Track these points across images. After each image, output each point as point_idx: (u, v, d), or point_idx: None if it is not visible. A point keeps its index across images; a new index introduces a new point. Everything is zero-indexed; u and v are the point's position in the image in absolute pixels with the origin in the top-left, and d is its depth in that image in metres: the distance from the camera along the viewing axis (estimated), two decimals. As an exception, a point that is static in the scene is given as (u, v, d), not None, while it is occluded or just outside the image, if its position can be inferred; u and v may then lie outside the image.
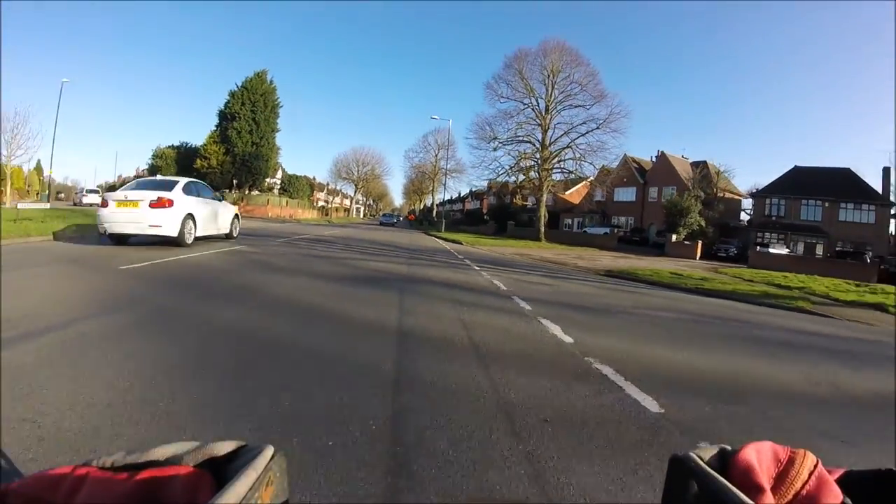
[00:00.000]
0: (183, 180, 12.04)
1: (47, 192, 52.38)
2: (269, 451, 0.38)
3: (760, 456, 0.43)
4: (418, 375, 3.67)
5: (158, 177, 15.22)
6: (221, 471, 0.37)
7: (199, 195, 12.46)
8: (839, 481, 0.43)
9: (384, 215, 69.60)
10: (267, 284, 7.20)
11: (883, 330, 9.52)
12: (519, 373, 3.94)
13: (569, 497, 2.14)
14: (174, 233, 10.85)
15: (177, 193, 11.12)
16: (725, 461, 0.43)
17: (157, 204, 10.61)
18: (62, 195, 61.30)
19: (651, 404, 3.42)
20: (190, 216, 11.42)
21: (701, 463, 0.42)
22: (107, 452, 0.34)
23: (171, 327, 4.42)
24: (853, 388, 4.73)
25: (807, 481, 0.41)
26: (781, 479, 0.42)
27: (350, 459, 2.29)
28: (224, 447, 0.39)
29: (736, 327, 7.68)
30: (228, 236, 14.47)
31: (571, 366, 4.30)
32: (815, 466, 0.42)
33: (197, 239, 12.01)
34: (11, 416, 2.40)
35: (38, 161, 65.23)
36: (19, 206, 16.85)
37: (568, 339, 5.23)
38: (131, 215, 10.52)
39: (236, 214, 15.23)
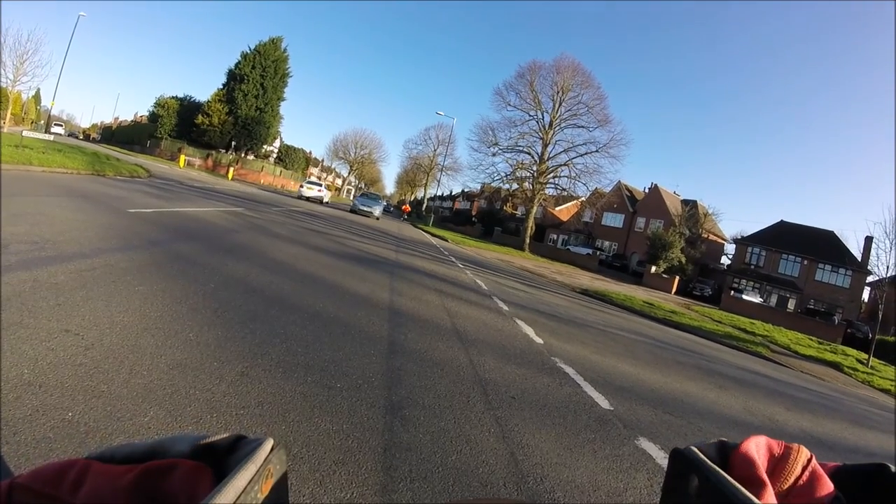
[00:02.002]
0: (323, 184, 37.00)
1: (42, 122, 51.85)
2: (269, 443, 0.39)
3: (757, 450, 0.43)
4: (408, 345, 4.21)
5: (317, 180, 36.88)
6: (220, 463, 0.37)
7: (324, 188, 35.47)
8: (832, 476, 0.43)
9: (362, 196, 36.42)
10: (269, 248, 7.60)
11: (832, 386, 10.36)
12: (493, 358, 4.50)
13: (529, 453, 2.65)
14: (323, 198, 34.64)
15: (322, 186, 35.27)
16: (726, 455, 0.43)
17: (320, 190, 34.55)
18: (62, 128, 60.59)
19: (603, 402, 3.97)
20: (326, 193, 35.48)
21: (702, 456, 0.41)
22: (108, 445, 0.34)
23: (188, 271, 4.82)
24: (786, 423, 5.37)
25: (800, 475, 0.42)
26: (776, 472, 0.42)
27: (355, 399, 2.80)
28: (223, 439, 0.39)
29: (693, 357, 8.28)
30: (326, 203, 35.74)
31: (539, 361, 4.85)
32: (809, 461, 0.42)
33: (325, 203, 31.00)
34: (53, 327, 2.79)
35: (38, 90, 64.26)
36: (24, 133, 16.86)
37: (539, 340, 5.79)
38: (311, 191, 34.08)
39: (330, 195, 37.85)
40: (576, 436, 3.12)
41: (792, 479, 0.41)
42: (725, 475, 0.38)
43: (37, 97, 68.34)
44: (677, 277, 37.30)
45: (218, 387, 2.55)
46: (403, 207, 49.92)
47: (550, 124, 41.46)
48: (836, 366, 14.27)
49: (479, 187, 60.59)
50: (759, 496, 0.38)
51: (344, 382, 2.99)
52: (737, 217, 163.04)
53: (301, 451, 2.13)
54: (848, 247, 44.27)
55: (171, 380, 2.50)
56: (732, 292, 36.28)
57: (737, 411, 5.19)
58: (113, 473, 0.35)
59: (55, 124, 52.40)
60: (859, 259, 41.82)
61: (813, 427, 5.59)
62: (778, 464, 0.42)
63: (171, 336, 3.06)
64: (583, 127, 41.13)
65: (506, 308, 7.68)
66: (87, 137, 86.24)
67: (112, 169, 15.52)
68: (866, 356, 17.38)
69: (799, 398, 7.40)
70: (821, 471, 0.42)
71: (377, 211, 31.69)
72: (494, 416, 3.06)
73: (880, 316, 19.38)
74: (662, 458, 3.09)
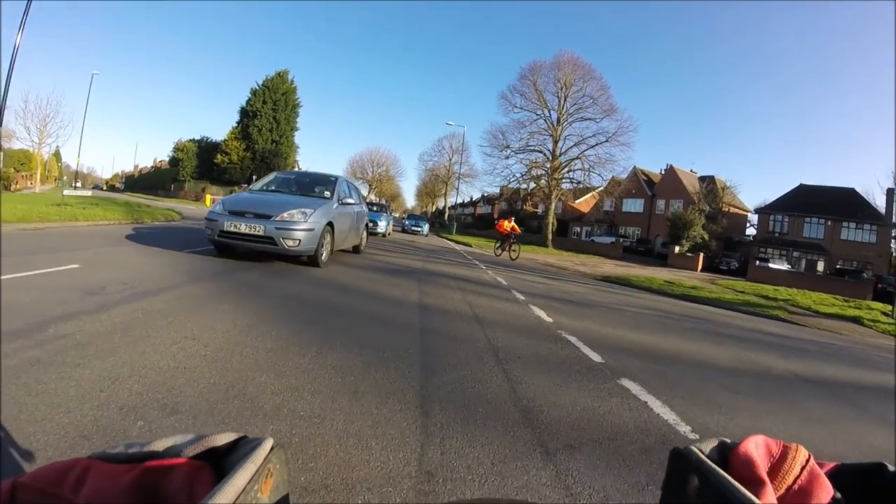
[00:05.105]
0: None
1: (65, 178, 54.12)
2: (269, 443, 0.40)
3: (756, 449, 0.43)
4: (436, 328, 5.28)
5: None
6: (220, 463, 0.39)
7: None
8: (830, 475, 0.44)
9: (246, 198, 8.86)
10: (310, 269, 8.60)
11: (848, 338, 10.72)
12: (506, 333, 5.51)
13: (526, 388, 3.62)
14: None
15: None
16: (725, 454, 0.44)
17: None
18: (79, 183, 62.93)
19: (596, 357, 4.92)
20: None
21: (702, 456, 0.42)
22: (110, 446, 0.33)
23: (252, 293, 5.88)
24: (774, 368, 6.00)
25: (798, 475, 0.42)
26: (774, 472, 0.42)
27: (399, 361, 3.85)
28: (223, 439, 0.41)
29: (701, 324, 9.03)
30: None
31: (546, 334, 5.83)
32: (808, 461, 0.43)
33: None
34: (175, 336, 3.81)
35: (58, 148, 67.10)
36: (65, 192, 18.29)
37: (549, 319, 6.75)
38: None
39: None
40: (566, 378, 4.09)
41: (791, 479, 0.42)
42: (725, 475, 0.39)
43: (57, 155, 71.47)
44: (701, 254, 37.53)
45: (303, 360, 3.60)
46: (501, 224, 22.02)
47: (558, 120, 42.51)
48: (856, 320, 14.38)
49: (497, 191, 61.48)
50: (758, 496, 0.38)
51: (389, 353, 4.04)
52: (757, 187, 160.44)
53: (366, 390, 3.16)
54: (872, 202, 43.91)
55: (269, 358, 3.54)
56: (758, 262, 36.30)
57: (723, 360, 5.90)
58: (114, 473, 0.36)
59: (75, 187, 55.03)
60: (883, 213, 41.51)
61: (803, 369, 6.13)
62: (777, 463, 0.43)
63: (260, 335, 4.11)
64: (590, 119, 42.17)
65: (522, 298, 8.64)
66: (111, 188, 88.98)
67: (148, 216, 16.77)
68: (890, 308, 17.44)
69: (802, 349, 7.96)
70: (819, 470, 0.43)
71: (299, 234, 7.92)
72: (502, 368, 4.07)
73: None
74: (638, 390, 3.99)
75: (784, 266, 38.04)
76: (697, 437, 3.17)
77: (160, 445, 0.39)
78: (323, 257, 8.72)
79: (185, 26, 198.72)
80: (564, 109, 42.36)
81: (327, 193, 9.72)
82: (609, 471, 2.52)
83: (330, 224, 8.81)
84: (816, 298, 19.52)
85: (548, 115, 43.03)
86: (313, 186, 10.21)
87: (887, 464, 0.45)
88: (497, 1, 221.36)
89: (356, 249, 12.43)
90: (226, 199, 8.75)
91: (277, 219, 7.82)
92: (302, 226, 7.89)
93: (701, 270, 35.25)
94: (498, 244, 22.65)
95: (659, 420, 3.40)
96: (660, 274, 22.70)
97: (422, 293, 7.61)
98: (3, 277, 4.97)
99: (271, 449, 0.40)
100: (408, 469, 2.26)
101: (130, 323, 4.00)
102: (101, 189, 79.44)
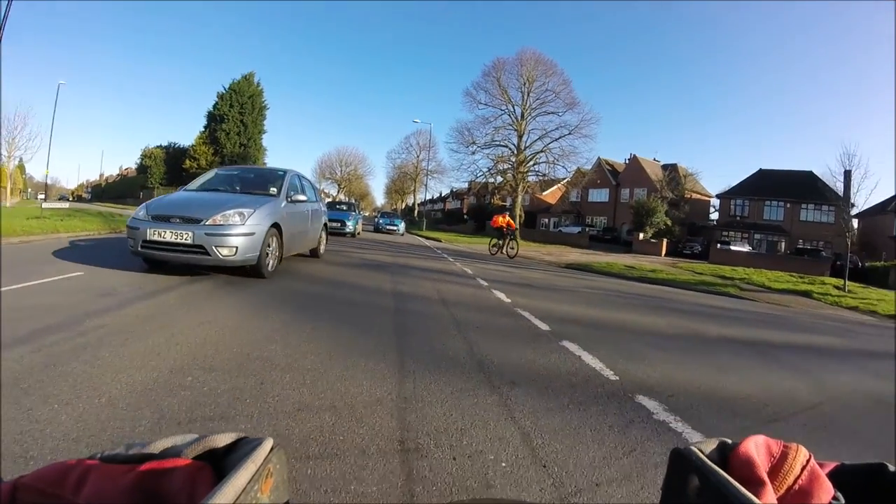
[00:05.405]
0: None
1: (30, 190, 53.27)
2: (269, 443, 0.40)
3: (757, 449, 0.43)
4: (408, 308, 6.20)
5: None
6: (220, 463, 0.39)
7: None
8: (830, 475, 0.44)
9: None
10: (293, 265, 9.29)
11: (794, 310, 11.57)
12: (468, 311, 6.45)
13: (480, 347, 4.51)
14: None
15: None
16: (725, 455, 0.43)
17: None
18: (43, 195, 61.63)
19: (544, 327, 5.85)
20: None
21: (702, 456, 0.42)
22: (110, 447, 0.39)
23: (249, 289, 6.62)
24: (707, 333, 6.84)
25: (799, 475, 0.42)
26: (775, 472, 0.42)
27: (380, 332, 4.77)
28: (223, 439, 0.41)
29: (650, 301, 10.01)
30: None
31: (503, 310, 6.78)
32: (808, 461, 0.43)
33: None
34: (193, 321, 4.60)
35: (21, 159, 65.88)
36: (44, 205, 18.61)
37: (507, 300, 7.67)
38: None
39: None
40: (515, 341, 5.03)
41: (791, 479, 0.42)
42: (725, 475, 0.39)
43: (21, 167, 70.15)
44: (665, 240, 38.86)
45: (302, 333, 4.47)
46: (496, 220, 20.13)
47: (522, 115, 43.49)
48: (806, 294, 15.25)
49: (466, 186, 62.29)
50: (758, 496, 0.38)
51: (371, 327, 4.96)
52: (719, 173, 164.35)
53: (355, 351, 4.04)
54: (828, 184, 45.36)
55: (275, 333, 4.39)
56: (719, 245, 37.58)
57: (660, 328, 6.77)
58: (115, 473, 0.37)
59: (39, 195, 54.63)
60: (841, 194, 42.99)
61: (735, 334, 6.91)
62: (777, 463, 0.43)
63: (262, 318, 4.95)
64: (553, 113, 43.30)
65: (486, 284, 9.56)
66: (77, 198, 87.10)
67: (125, 225, 17.01)
68: (842, 282, 18.36)
69: (741, 319, 8.84)
70: (819, 470, 0.43)
71: (235, 240, 6.74)
72: (462, 336, 4.99)
73: (848, 244, 20.61)
74: (575, 348, 4.88)
75: (745, 248, 39.42)
76: (617, 378, 4.06)
77: (160, 446, 0.40)
78: (269, 266, 7.49)
79: (148, 30, 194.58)
80: (528, 104, 43.40)
81: (273, 190, 8.43)
82: (540, 397, 3.43)
83: (276, 226, 7.59)
84: (772, 276, 20.51)
85: (512, 110, 44.08)
86: (259, 183, 8.92)
87: (888, 464, 0.45)
88: (461, 1, 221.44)
89: (314, 253, 11.00)
90: (150, 203, 7.52)
91: (209, 222, 6.66)
92: (239, 230, 6.73)
93: (665, 255, 36.48)
94: (493, 242, 20.74)
95: (587, 367, 4.32)
96: (622, 260, 23.70)
97: (395, 283, 8.49)
98: (21, 285, 5.56)
99: (271, 449, 0.40)
100: (390, 396, 3.15)
101: (152, 314, 4.74)
102: (68, 199, 78.17)
